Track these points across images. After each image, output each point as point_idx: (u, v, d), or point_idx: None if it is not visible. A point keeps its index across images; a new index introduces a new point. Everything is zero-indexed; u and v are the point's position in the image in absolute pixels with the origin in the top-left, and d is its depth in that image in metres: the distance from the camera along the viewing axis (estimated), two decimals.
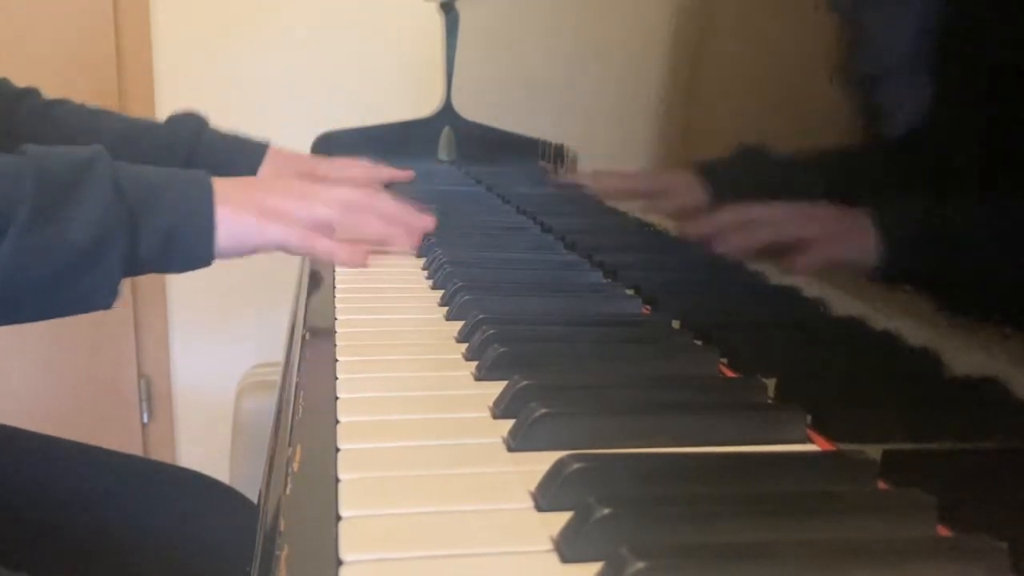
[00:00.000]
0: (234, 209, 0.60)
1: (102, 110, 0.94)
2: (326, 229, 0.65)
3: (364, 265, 0.67)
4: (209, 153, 0.92)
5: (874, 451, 0.34)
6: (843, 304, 0.39)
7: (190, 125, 0.92)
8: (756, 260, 0.46)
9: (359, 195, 0.68)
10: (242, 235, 0.60)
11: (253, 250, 0.62)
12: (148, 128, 0.93)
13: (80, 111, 0.93)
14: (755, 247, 0.47)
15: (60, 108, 0.92)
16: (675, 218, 0.57)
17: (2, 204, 0.51)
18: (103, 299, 0.56)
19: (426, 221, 0.73)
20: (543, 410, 0.36)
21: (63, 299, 0.55)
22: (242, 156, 0.94)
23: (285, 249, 0.62)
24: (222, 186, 0.61)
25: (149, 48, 1.73)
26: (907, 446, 0.34)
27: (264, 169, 0.94)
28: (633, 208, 0.63)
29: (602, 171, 0.70)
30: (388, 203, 0.71)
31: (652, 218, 0.60)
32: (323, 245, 0.63)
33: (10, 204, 0.51)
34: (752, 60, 0.47)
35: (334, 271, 0.67)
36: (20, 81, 0.91)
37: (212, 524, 0.73)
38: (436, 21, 1.35)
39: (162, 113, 1.75)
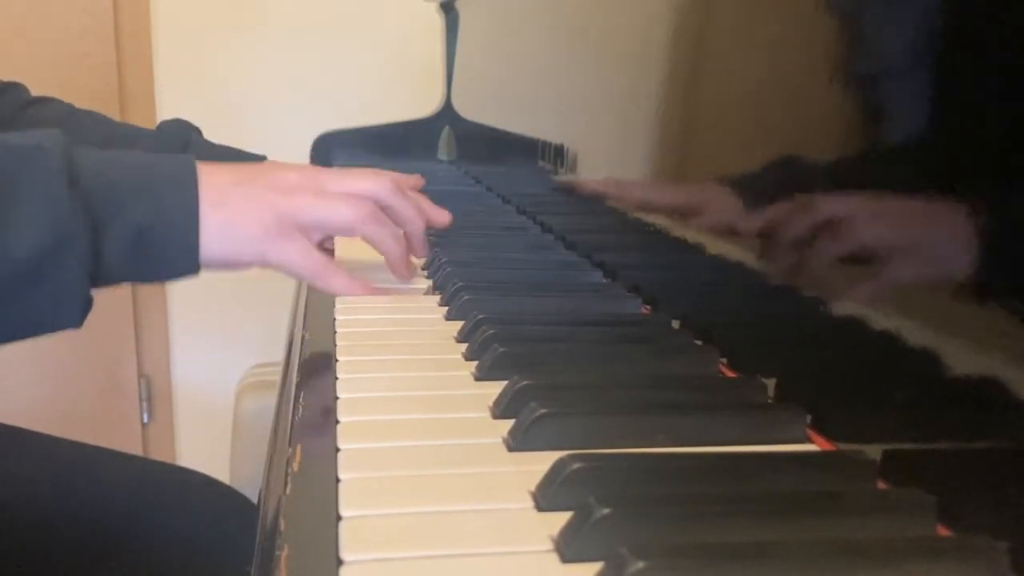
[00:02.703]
0: (227, 215, 0.50)
1: (88, 112, 0.88)
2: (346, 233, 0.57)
3: (372, 291, 0.59)
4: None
5: (874, 451, 0.34)
6: (843, 304, 0.39)
7: (180, 134, 0.85)
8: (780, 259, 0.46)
9: (383, 191, 0.59)
10: (234, 250, 0.51)
11: (248, 265, 0.52)
12: (134, 134, 0.86)
13: (64, 111, 0.86)
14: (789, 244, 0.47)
15: (43, 106, 0.86)
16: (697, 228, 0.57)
17: None
18: (65, 317, 0.47)
19: (442, 216, 0.66)
20: (543, 410, 0.36)
21: (13, 321, 0.46)
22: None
23: (290, 273, 0.53)
24: (212, 177, 0.50)
25: (149, 48, 1.73)
26: (907, 446, 0.34)
27: None
28: (634, 208, 0.63)
29: (623, 181, 0.69)
30: (408, 206, 0.61)
31: (652, 218, 0.60)
32: (339, 281, 0.55)
33: None
34: (753, 59, 0.47)
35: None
36: (21, 81, 0.90)
37: (212, 524, 0.73)
38: (436, 21, 1.35)
39: (162, 114, 1.75)
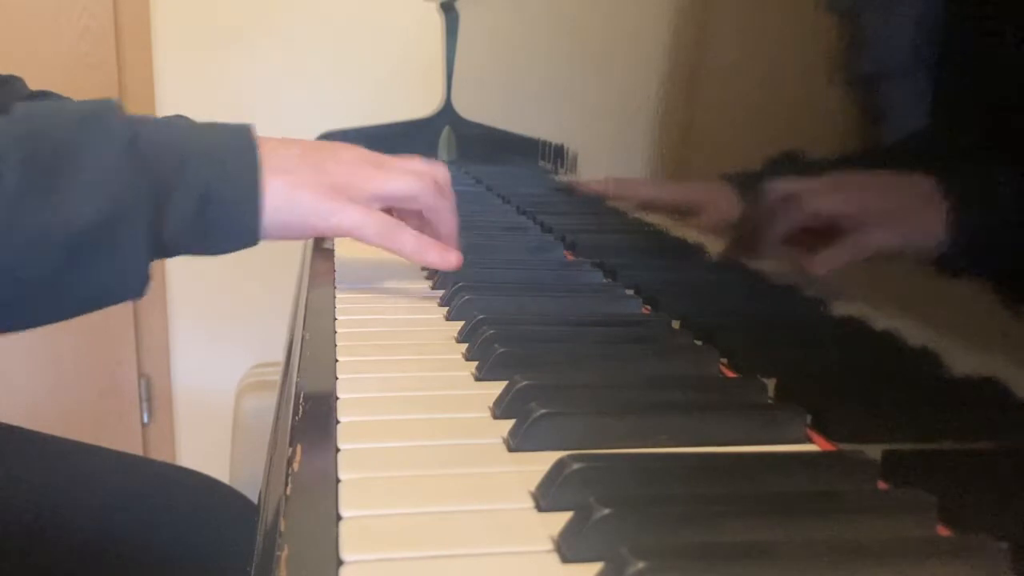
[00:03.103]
0: (289, 179, 0.49)
1: (101, 102, 0.89)
2: (407, 212, 0.55)
3: (456, 267, 0.57)
4: None
5: (874, 451, 0.34)
6: (843, 304, 0.39)
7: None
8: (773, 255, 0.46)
9: (440, 174, 0.58)
10: (298, 215, 0.50)
11: (313, 232, 0.52)
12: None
13: (65, 102, 0.83)
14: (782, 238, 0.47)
15: (42, 99, 0.84)
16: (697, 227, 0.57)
17: None
18: (129, 288, 0.46)
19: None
20: (543, 410, 0.36)
21: (77, 294, 0.45)
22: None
23: (357, 238, 0.52)
24: (274, 147, 0.50)
25: (149, 48, 1.73)
26: (907, 446, 0.34)
27: None
28: (634, 208, 0.63)
29: (623, 179, 0.69)
30: (452, 209, 0.60)
31: (652, 219, 0.60)
32: (408, 241, 0.53)
33: None
34: (753, 59, 0.47)
35: (334, 270, 0.67)
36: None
37: (212, 524, 0.73)
38: (436, 21, 1.35)
39: (162, 114, 1.75)
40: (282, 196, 0.49)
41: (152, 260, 0.46)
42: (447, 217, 0.59)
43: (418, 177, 0.55)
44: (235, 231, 0.48)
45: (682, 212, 0.56)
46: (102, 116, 0.45)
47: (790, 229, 0.43)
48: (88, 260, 0.43)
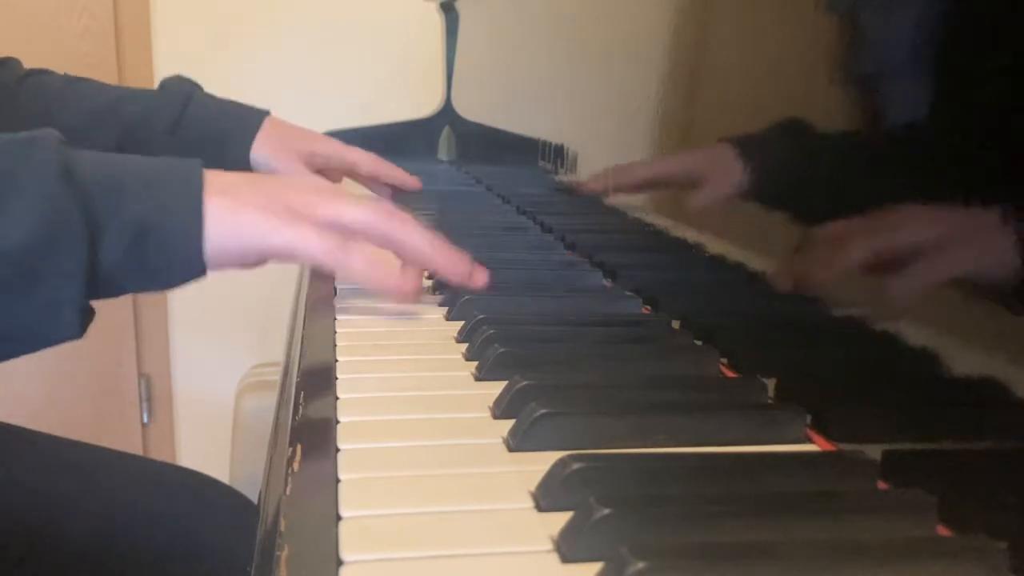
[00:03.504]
0: (232, 203, 0.46)
1: (86, 79, 0.85)
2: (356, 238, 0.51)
3: (413, 298, 0.53)
4: (198, 119, 0.80)
5: (874, 451, 0.34)
6: (843, 304, 0.39)
7: (181, 89, 0.83)
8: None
9: (392, 210, 0.53)
10: (241, 237, 0.46)
11: (260, 256, 0.48)
12: (133, 94, 0.83)
13: (60, 79, 0.84)
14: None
15: (39, 76, 0.84)
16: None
17: None
18: (63, 325, 0.43)
19: (478, 275, 0.55)
20: (543, 410, 0.36)
21: (11, 325, 0.43)
22: (235, 123, 0.81)
23: (305, 258, 0.48)
24: (219, 174, 0.47)
25: (149, 48, 1.73)
26: (907, 446, 0.34)
27: (259, 140, 0.81)
28: (634, 208, 0.63)
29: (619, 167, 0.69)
30: (420, 232, 0.53)
31: (652, 218, 0.60)
32: (359, 261, 0.49)
33: None
34: (753, 60, 0.47)
35: (334, 286, 0.67)
36: None
37: (212, 524, 0.73)
38: (436, 21, 1.35)
39: None
40: (224, 219, 0.46)
41: (88, 297, 0.44)
42: (413, 244, 0.52)
43: (371, 205, 0.51)
44: (178, 262, 0.46)
45: (683, 212, 0.56)
46: (37, 145, 0.43)
47: (790, 227, 0.43)
48: (18, 290, 0.41)
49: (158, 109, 0.81)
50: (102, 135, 0.80)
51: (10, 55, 0.85)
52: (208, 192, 0.46)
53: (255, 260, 0.49)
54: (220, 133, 0.81)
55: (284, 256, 0.48)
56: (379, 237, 0.52)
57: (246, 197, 0.47)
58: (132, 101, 0.82)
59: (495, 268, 0.64)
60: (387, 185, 0.91)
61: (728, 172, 0.49)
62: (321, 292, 0.61)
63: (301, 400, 0.41)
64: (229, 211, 0.46)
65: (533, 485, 0.32)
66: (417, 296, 0.53)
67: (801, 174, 0.42)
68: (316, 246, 0.48)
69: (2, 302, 0.41)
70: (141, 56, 1.73)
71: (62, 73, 0.86)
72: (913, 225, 0.35)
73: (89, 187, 0.43)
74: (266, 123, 0.82)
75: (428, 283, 0.63)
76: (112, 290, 0.45)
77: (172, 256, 0.45)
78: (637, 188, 0.63)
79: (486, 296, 0.55)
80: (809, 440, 0.38)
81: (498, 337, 0.46)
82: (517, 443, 0.36)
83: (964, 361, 0.32)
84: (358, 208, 0.50)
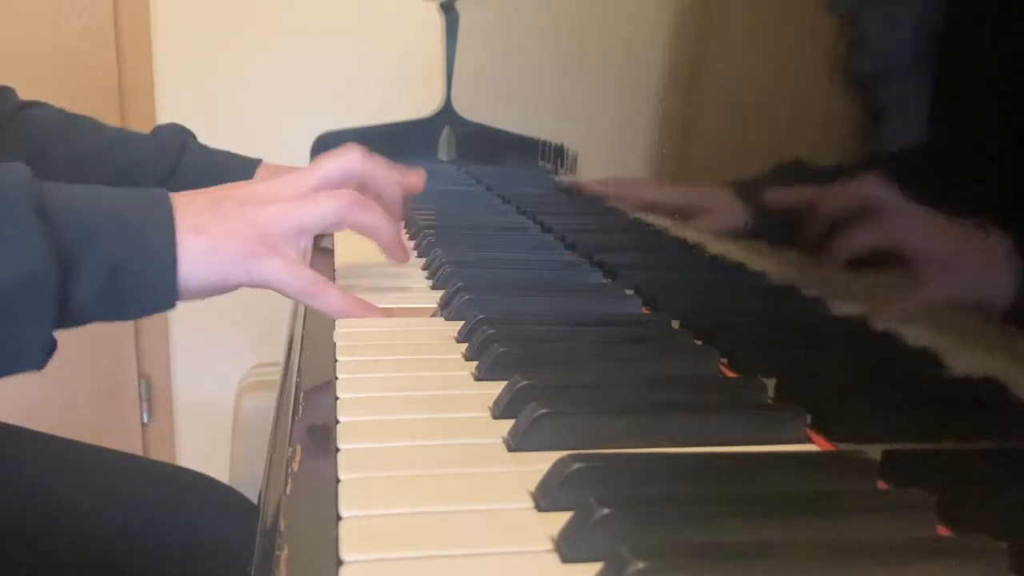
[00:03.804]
0: (204, 239, 0.48)
1: (82, 116, 0.85)
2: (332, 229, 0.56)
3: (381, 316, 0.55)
4: (193, 168, 0.81)
5: (874, 451, 0.34)
6: (843, 304, 0.39)
7: (175, 137, 0.83)
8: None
9: (355, 163, 0.58)
10: (217, 274, 0.49)
11: (234, 287, 0.50)
12: (127, 139, 0.83)
13: (56, 116, 0.84)
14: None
15: (35, 109, 0.83)
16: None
17: None
18: (27, 359, 0.44)
19: (416, 178, 0.65)
20: (543, 410, 0.36)
21: None
22: (230, 173, 0.80)
23: (279, 291, 0.51)
24: (186, 204, 0.49)
25: (149, 48, 1.74)
26: (907, 446, 0.34)
27: None
28: (634, 208, 0.63)
29: (624, 180, 0.69)
30: (384, 169, 0.61)
31: (652, 219, 0.60)
32: (332, 298, 0.52)
33: None
34: (754, 59, 0.47)
35: (334, 270, 0.67)
36: (20, 82, 0.89)
37: (212, 524, 0.73)
38: (436, 21, 1.35)
39: (162, 114, 1.75)
40: (200, 258, 0.47)
41: (55, 330, 0.45)
42: (382, 224, 0.56)
43: (336, 198, 0.53)
44: (149, 298, 0.47)
45: (683, 212, 0.56)
46: (10, 185, 0.44)
47: (791, 227, 0.43)
48: None
49: (153, 158, 0.80)
50: (92, 178, 0.79)
51: (10, 54, 0.85)
52: (180, 229, 0.47)
53: (228, 291, 0.50)
54: (216, 180, 0.81)
55: (259, 286, 0.50)
56: (350, 226, 0.55)
57: (217, 232, 0.48)
58: (126, 145, 0.82)
59: (495, 268, 0.64)
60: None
61: (731, 207, 0.49)
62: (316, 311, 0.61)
63: (301, 400, 0.42)
64: (202, 251, 0.48)
65: (533, 485, 0.32)
66: (383, 314, 0.54)
67: (801, 174, 0.42)
68: (287, 283, 0.50)
69: None
70: (141, 56, 1.73)
71: (58, 108, 0.85)
72: (912, 225, 0.35)
73: (62, 227, 0.44)
74: (260, 171, 0.83)
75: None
76: (80, 322, 0.46)
77: (145, 292, 0.47)
78: (638, 208, 0.63)
79: (486, 296, 0.55)
80: (809, 440, 0.38)
81: (498, 337, 0.46)
82: (517, 443, 0.36)
83: (964, 361, 0.32)
84: (320, 206, 0.52)
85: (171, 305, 0.49)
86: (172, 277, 0.47)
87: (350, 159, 0.58)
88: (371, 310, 0.53)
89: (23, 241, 0.42)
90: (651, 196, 0.60)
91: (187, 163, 0.81)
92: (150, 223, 0.47)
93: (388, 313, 0.54)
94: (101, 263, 0.45)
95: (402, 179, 0.64)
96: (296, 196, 0.53)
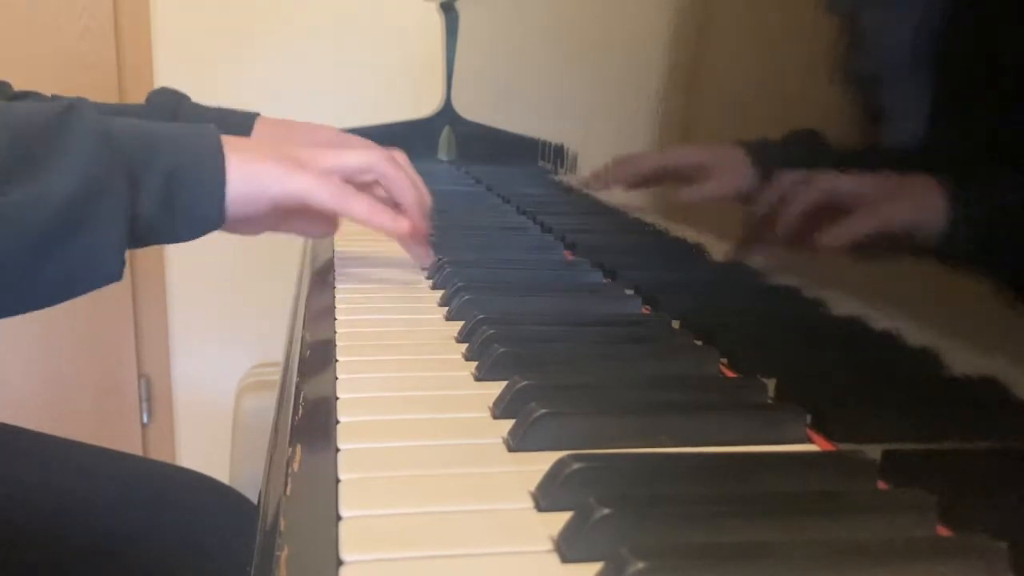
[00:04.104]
0: (248, 155, 0.53)
1: (74, 98, 0.87)
2: (361, 184, 0.59)
3: (406, 234, 0.60)
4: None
5: (874, 451, 0.34)
6: (843, 304, 0.39)
7: (168, 101, 0.84)
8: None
9: (396, 153, 0.62)
10: (256, 184, 0.53)
11: (272, 202, 0.54)
12: (121, 110, 0.84)
13: (49, 99, 0.83)
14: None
15: (28, 98, 0.83)
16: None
17: None
18: (108, 267, 0.48)
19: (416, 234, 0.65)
20: (543, 410, 0.36)
21: (59, 269, 0.47)
22: (227, 128, 0.83)
23: (313, 203, 0.55)
24: (231, 137, 0.54)
25: (149, 48, 1.73)
26: (907, 446, 0.34)
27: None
28: (634, 208, 0.63)
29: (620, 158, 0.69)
30: (409, 181, 0.62)
31: (652, 218, 0.60)
32: (361, 204, 0.56)
33: None
34: (753, 59, 0.47)
35: (334, 270, 0.67)
36: (21, 82, 0.88)
37: (212, 524, 0.73)
38: (436, 21, 1.35)
39: None
40: (242, 169, 0.52)
41: (127, 244, 0.49)
42: (405, 187, 0.61)
43: (371, 151, 0.60)
44: (202, 208, 0.52)
45: (682, 208, 0.56)
46: (77, 109, 0.48)
47: (790, 226, 0.43)
48: (66, 238, 0.46)
49: (147, 118, 0.81)
50: None
51: (10, 54, 0.85)
52: (228, 148, 0.53)
53: (267, 207, 0.54)
54: None
55: (294, 201, 0.55)
56: (376, 176, 0.60)
57: (259, 151, 0.54)
58: (121, 114, 0.79)
59: (495, 268, 0.64)
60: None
61: (733, 171, 0.49)
62: (321, 292, 0.61)
63: (301, 400, 0.42)
64: (246, 161, 0.53)
65: (533, 485, 0.32)
66: (408, 229, 0.60)
67: (801, 174, 0.42)
68: (322, 190, 0.55)
69: (52, 250, 0.46)
70: (141, 56, 1.73)
71: (50, 95, 0.85)
72: (912, 224, 0.35)
73: (126, 144, 0.49)
74: (257, 124, 0.83)
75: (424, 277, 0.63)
76: (144, 239, 0.51)
77: (198, 203, 0.52)
78: (641, 180, 0.63)
79: (486, 296, 0.55)
80: (809, 440, 0.38)
81: (498, 337, 0.46)
82: (517, 443, 0.36)
83: (964, 361, 0.32)
84: (354, 155, 0.59)
85: (221, 218, 0.53)
86: (220, 187, 0.52)
87: (371, 158, 0.61)
88: (398, 220, 0.58)
89: (94, 156, 0.47)
90: (651, 194, 0.60)
91: (182, 119, 0.82)
92: (202, 142, 0.52)
93: (413, 230, 0.60)
94: (160, 174, 0.50)
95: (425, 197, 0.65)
96: (336, 146, 0.60)
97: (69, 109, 0.48)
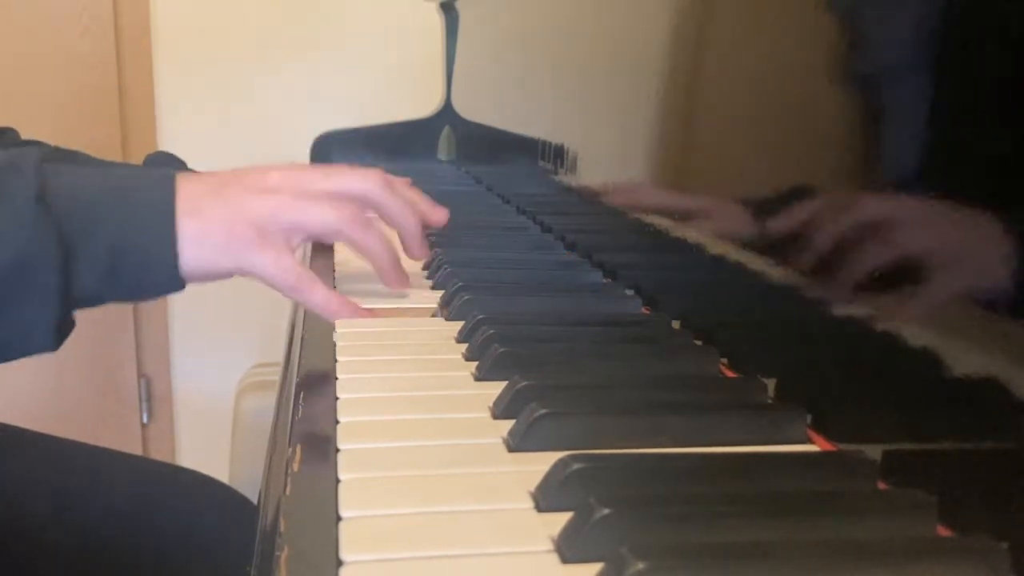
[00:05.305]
0: (200, 224, 0.48)
1: (74, 152, 0.83)
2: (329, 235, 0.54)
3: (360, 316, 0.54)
4: None
5: (874, 451, 0.34)
6: (843, 304, 0.39)
7: (168, 166, 0.80)
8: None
9: (371, 188, 0.56)
10: (208, 258, 0.49)
11: (228, 276, 0.51)
12: (84, 160, 0.80)
13: (48, 151, 0.81)
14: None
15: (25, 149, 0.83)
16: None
17: None
18: (37, 340, 0.46)
19: (439, 215, 0.63)
20: (543, 410, 0.36)
21: None
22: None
23: (266, 282, 0.51)
24: (192, 186, 0.49)
25: (149, 48, 1.74)
26: (907, 446, 0.34)
27: None
28: (634, 208, 0.63)
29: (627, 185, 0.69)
30: (400, 203, 0.58)
31: (653, 219, 0.60)
32: (318, 296, 0.51)
33: None
34: (754, 60, 0.47)
35: (334, 270, 0.67)
36: (21, 82, 0.88)
37: (212, 524, 0.73)
38: (436, 21, 1.35)
39: (162, 114, 1.75)
40: (194, 240, 0.48)
41: (63, 314, 0.46)
42: (377, 248, 0.56)
43: (337, 208, 0.52)
44: (154, 279, 0.48)
45: (684, 214, 0.56)
46: (14, 171, 0.45)
47: (791, 228, 0.43)
48: None
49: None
50: None
51: (10, 53, 0.84)
52: (179, 212, 0.48)
53: (223, 277, 0.51)
54: None
55: (248, 275, 0.51)
56: (345, 240, 0.54)
57: (210, 216, 0.49)
58: (84, 163, 0.79)
59: (495, 268, 0.64)
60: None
61: (732, 209, 0.49)
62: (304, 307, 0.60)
63: (301, 400, 0.41)
64: (194, 234, 0.48)
65: (533, 485, 0.32)
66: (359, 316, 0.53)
67: (801, 174, 0.42)
68: (274, 275, 0.50)
69: None
70: (141, 56, 1.73)
71: (53, 146, 0.85)
72: (912, 225, 0.35)
73: (62, 211, 0.45)
74: None
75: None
76: (91, 303, 0.48)
77: (148, 274, 0.48)
78: (643, 211, 0.62)
79: (486, 296, 0.55)
80: (809, 440, 0.38)
81: (498, 337, 0.46)
82: (517, 443, 0.36)
83: (964, 361, 0.32)
84: (320, 211, 0.52)
85: (179, 286, 0.49)
86: (172, 260, 0.48)
87: (368, 183, 0.56)
88: (356, 310, 0.53)
89: (20, 226, 0.43)
90: (651, 196, 0.60)
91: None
92: (150, 206, 0.48)
93: (373, 314, 0.54)
94: (102, 246, 0.46)
95: (424, 213, 0.62)
96: (302, 193, 0.52)
97: (7, 168, 0.45)
